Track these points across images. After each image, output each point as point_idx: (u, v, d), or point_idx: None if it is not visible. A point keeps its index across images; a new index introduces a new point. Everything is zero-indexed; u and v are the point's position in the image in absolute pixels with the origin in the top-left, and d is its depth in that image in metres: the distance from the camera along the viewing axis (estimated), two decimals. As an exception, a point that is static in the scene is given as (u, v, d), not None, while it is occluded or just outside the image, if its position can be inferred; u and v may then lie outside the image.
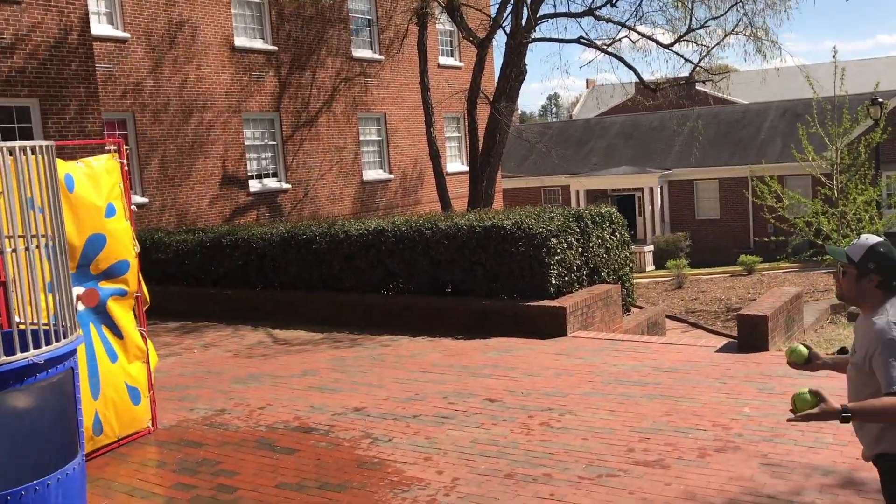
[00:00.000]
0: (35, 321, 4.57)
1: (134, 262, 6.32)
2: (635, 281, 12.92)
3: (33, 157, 4.57)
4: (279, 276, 11.66)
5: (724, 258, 28.64)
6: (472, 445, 5.81)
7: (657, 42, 17.79)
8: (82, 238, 5.91)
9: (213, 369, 8.77)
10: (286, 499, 5.09)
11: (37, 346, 4.36)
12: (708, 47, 17.68)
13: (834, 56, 19.02)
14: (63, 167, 5.76)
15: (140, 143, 16.18)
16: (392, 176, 22.83)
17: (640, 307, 13.29)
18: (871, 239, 3.12)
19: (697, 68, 18.02)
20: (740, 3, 16.68)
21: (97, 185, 6.03)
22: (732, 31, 17.03)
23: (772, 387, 6.75)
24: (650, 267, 29.62)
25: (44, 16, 12.23)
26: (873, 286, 3.07)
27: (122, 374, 6.19)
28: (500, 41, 24.43)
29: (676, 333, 14.52)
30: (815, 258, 19.17)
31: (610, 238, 10.98)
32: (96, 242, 6.01)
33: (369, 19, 22.05)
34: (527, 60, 17.65)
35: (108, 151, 6.30)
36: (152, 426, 6.54)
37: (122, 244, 6.21)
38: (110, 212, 6.11)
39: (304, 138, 20.00)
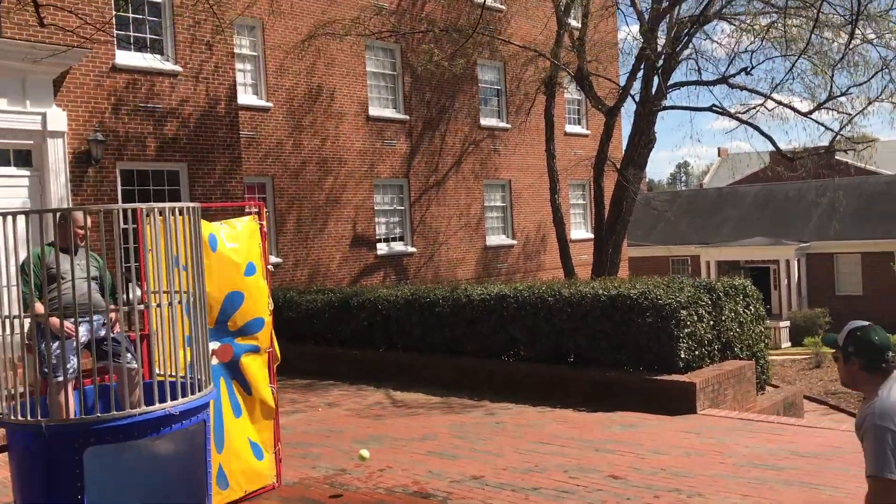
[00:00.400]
0: (173, 374, 4.78)
1: (268, 320, 6.55)
2: (770, 358, 12.26)
3: (180, 217, 4.87)
4: (403, 338, 11.79)
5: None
6: (593, 523, 5.58)
7: (795, 110, 17.21)
8: (222, 294, 6.18)
9: (336, 428, 8.89)
10: (402, 565, 5.03)
11: (173, 398, 4.56)
12: (850, 115, 16.95)
13: None
14: (207, 228, 6.10)
15: (277, 205, 16.98)
16: (515, 241, 22.89)
17: (776, 386, 12.58)
18: (852, 323, 3.26)
19: (838, 137, 17.27)
20: (886, 69, 15.95)
21: (238, 244, 6.33)
22: (877, 98, 16.26)
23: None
24: (786, 344, 28.13)
25: (196, 86, 13.19)
26: (858, 369, 3.18)
27: (245, 430, 6.36)
28: (628, 108, 24.35)
29: (816, 416, 13.61)
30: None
31: (744, 312, 10.51)
32: (235, 299, 6.27)
33: (498, 89, 22.51)
34: (656, 128, 17.45)
35: (250, 213, 6.62)
36: (277, 482, 6.66)
37: (259, 302, 6.45)
38: (250, 270, 6.39)
39: (431, 203, 20.43)
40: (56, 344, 4.77)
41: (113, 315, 5.25)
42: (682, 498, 6.01)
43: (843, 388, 16.06)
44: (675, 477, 6.53)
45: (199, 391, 4.79)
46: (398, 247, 19.73)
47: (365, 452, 6.82)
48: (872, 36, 15.99)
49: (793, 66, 15.71)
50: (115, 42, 12.18)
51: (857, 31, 15.41)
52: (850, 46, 15.73)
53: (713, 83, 17.06)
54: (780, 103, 17.09)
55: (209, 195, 13.09)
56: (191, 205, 4.93)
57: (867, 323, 3.27)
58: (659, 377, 9.08)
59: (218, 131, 13.46)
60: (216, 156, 13.44)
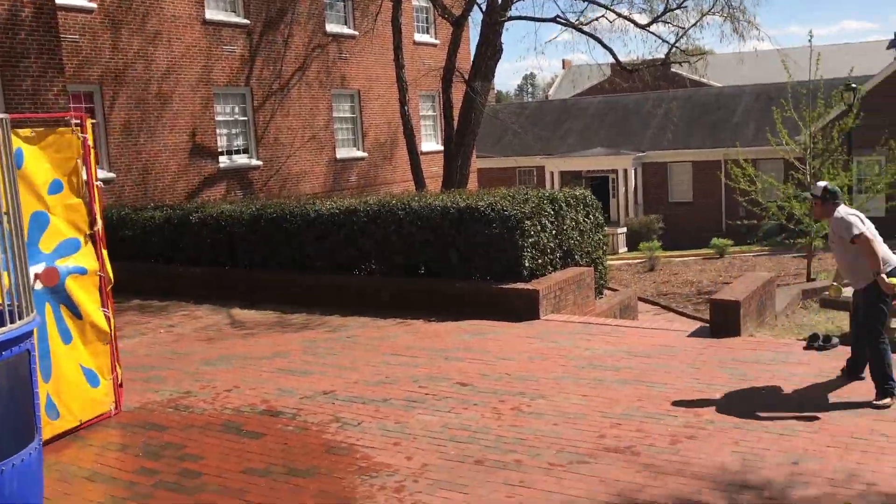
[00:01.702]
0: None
1: (87, 241, 6.11)
2: (608, 263, 12.88)
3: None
4: (249, 256, 11.46)
5: (696, 241, 28.80)
6: (442, 430, 5.72)
7: (634, 22, 17.70)
8: (26, 216, 5.69)
9: (180, 350, 8.60)
10: (252, 484, 4.97)
11: (-10, 327, 4.18)
12: (685, 28, 17.62)
13: (810, 40, 19.01)
14: (15, 142, 5.55)
15: (107, 115, 15.80)
16: (365, 154, 22.60)
17: (614, 290, 13.27)
18: (822, 182, 6.28)
19: (674, 50, 17.95)
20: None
21: (43, 160, 5.81)
22: (709, 10, 16.97)
23: (743, 372, 6.73)
24: (623, 249, 29.72)
25: (5, -17, 11.81)
26: (831, 205, 6.12)
27: (77, 356, 6.00)
28: (476, 19, 24.19)
29: (649, 316, 14.54)
30: (786, 242, 19.28)
31: (584, 221, 10.91)
32: (40, 219, 5.79)
33: (344, -7, 21.71)
34: (503, 39, 17.45)
35: (70, 125, 6.07)
36: (116, 408, 6.37)
37: (71, 222, 5.99)
38: (54, 188, 5.88)
39: (276, 113, 19.69)
40: None
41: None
42: (525, 401, 6.26)
43: (675, 290, 17.20)
44: (520, 381, 6.78)
45: (20, 319, 4.42)
46: (241, 159, 18.99)
47: None
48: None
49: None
50: None
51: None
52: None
53: (558, -6, 17.17)
54: (620, 15, 17.51)
55: (23, 105, 11.94)
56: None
57: (827, 181, 5.92)
58: (505, 286, 9.33)
59: (32, 34, 12.19)
60: (31, 62, 12.19)
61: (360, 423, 5.94)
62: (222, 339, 9.07)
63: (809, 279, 16.71)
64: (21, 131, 5.75)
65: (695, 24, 17.35)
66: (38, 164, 5.77)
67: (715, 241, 25.57)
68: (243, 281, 11.30)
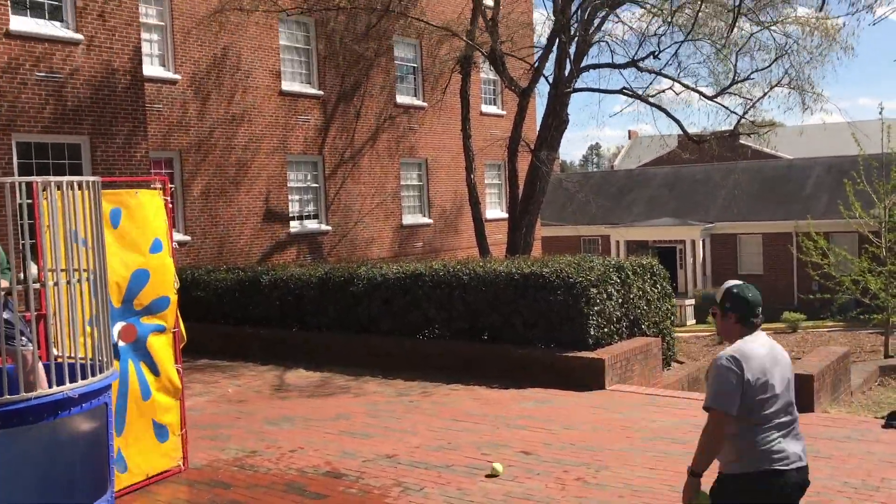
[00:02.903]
0: (73, 355, 4.57)
1: (174, 299, 6.35)
2: (676, 335, 12.66)
3: (80, 191, 4.64)
4: (316, 318, 11.65)
5: (767, 314, 27.66)
6: (505, 499, 5.65)
7: (700, 94, 17.72)
8: (128, 273, 5.96)
9: (246, 409, 8.73)
10: (313, 546, 4.98)
11: (73, 380, 4.36)
12: (752, 100, 17.55)
13: (881, 112, 18.77)
14: (110, 203, 5.85)
15: (185, 180, 16.46)
16: (431, 220, 22.90)
17: (681, 362, 13.01)
18: (729, 282, 3.66)
19: (742, 121, 17.87)
20: (784, 56, 16.57)
21: (143, 220, 6.10)
22: (777, 83, 16.89)
23: (818, 449, 6.49)
24: (691, 321, 29.13)
25: (98, 56, 12.60)
26: (733, 322, 3.58)
27: (151, 412, 6.17)
28: (542, 90, 24.58)
29: (717, 390, 14.13)
30: (861, 317, 18.66)
31: (651, 290, 10.80)
32: (140, 277, 6.06)
33: (414, 66, 22.37)
34: (568, 110, 17.66)
35: (154, 188, 6.38)
36: (184, 465, 6.49)
37: (165, 280, 6.25)
38: (155, 247, 6.17)
39: (346, 180, 20.20)
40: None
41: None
42: (590, 472, 6.15)
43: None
44: (584, 451, 6.67)
45: (100, 373, 4.60)
46: (312, 224, 19.45)
47: (498, 466, 6.18)
48: (771, 23, 16.58)
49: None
50: (10, 6, 11.51)
51: (754, 18, 15.97)
52: (752, 32, 16.28)
53: (624, 66, 17.37)
54: (686, 86, 17.56)
55: (112, 169, 12.56)
56: (90, 178, 4.71)
57: (741, 282, 3.62)
58: (569, 354, 9.26)
59: (122, 103, 12.90)
60: (119, 128, 12.89)
61: (423, 489, 5.92)
62: (287, 399, 9.18)
63: (887, 356, 16.09)
64: (124, 192, 6.08)
65: (763, 97, 17.28)
66: (138, 223, 6.05)
67: (787, 314, 24.89)
68: (309, 343, 11.47)
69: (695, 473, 3.52)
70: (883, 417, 7.33)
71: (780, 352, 3.62)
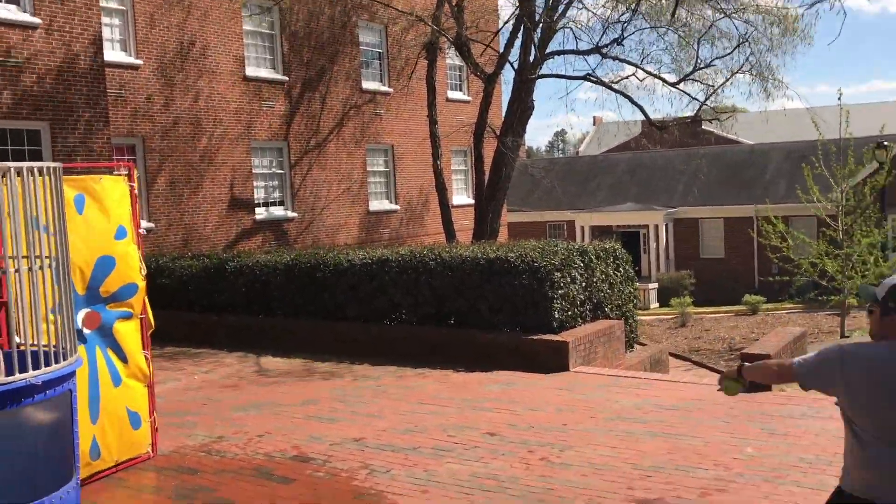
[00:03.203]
0: (35, 343, 4.55)
1: (142, 286, 6.32)
2: (639, 318, 12.86)
3: (40, 178, 4.60)
4: (282, 305, 11.64)
5: (728, 297, 28.55)
6: (470, 479, 5.74)
7: (663, 80, 17.92)
8: (93, 259, 5.92)
9: (213, 396, 8.73)
10: (281, 529, 5.03)
11: (36, 367, 4.34)
12: (713, 86, 17.79)
13: (839, 98, 19.11)
14: (74, 189, 5.80)
15: (148, 166, 16.28)
16: (398, 207, 22.91)
17: (644, 344, 13.22)
18: (893, 279, 3.25)
19: (703, 107, 18.12)
20: (746, 43, 16.81)
21: (107, 206, 6.06)
22: (738, 70, 17.14)
23: (774, 427, 6.68)
24: (654, 304, 29.52)
25: (57, 40, 12.39)
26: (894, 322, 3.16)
27: (124, 399, 6.15)
28: (507, 76, 24.65)
29: (679, 371, 14.42)
30: (819, 299, 19.09)
31: (614, 273, 10.96)
32: (106, 264, 6.02)
33: (379, 52, 22.30)
34: (534, 96, 17.77)
35: (118, 174, 6.33)
36: (152, 451, 6.48)
37: (131, 267, 6.22)
38: (120, 234, 6.13)
39: (312, 167, 20.11)
40: None
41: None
42: (554, 452, 6.27)
43: (706, 346, 17.03)
44: (549, 432, 6.79)
45: (64, 360, 4.59)
46: (278, 211, 19.36)
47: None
48: (732, 11, 16.80)
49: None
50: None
51: (716, 6, 16.18)
52: (714, 20, 16.49)
53: (588, 52, 17.50)
54: (650, 73, 17.75)
55: (73, 156, 12.38)
56: (51, 164, 4.67)
57: None
58: (534, 337, 9.38)
59: (82, 88, 12.71)
60: (80, 114, 12.70)
61: (390, 471, 5.99)
62: (254, 385, 9.19)
63: (843, 336, 16.50)
64: (88, 178, 6.03)
65: (724, 83, 17.53)
66: (102, 210, 6.00)
67: (747, 297, 25.36)
68: (276, 329, 11.46)
69: (741, 372, 3.57)
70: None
71: None
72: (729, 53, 17.11)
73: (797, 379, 3.25)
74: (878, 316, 3.22)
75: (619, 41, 16.91)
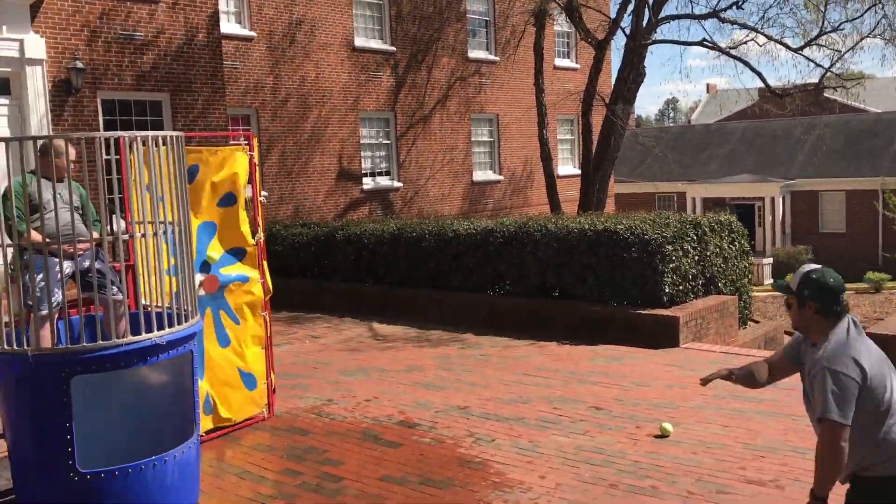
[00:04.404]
0: (160, 304, 4.77)
1: (251, 251, 6.52)
2: (753, 294, 12.39)
3: (164, 147, 4.79)
4: (389, 273, 11.82)
5: (849, 274, 27.12)
6: (576, 452, 5.69)
7: (786, 46, 17.04)
8: (196, 224, 6.15)
9: (323, 360, 8.97)
10: (389, 491, 5.13)
11: (160, 328, 4.55)
12: (840, 52, 16.79)
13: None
14: (191, 159, 6.02)
15: (261, 137, 16.76)
16: (502, 177, 22.80)
17: (758, 321, 12.76)
18: (806, 267, 3.23)
19: (828, 74, 17.14)
20: (880, 4, 15.74)
21: (214, 174, 6.26)
22: (870, 34, 16.10)
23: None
24: (769, 280, 28.45)
25: (176, 14, 12.85)
26: (812, 313, 3.16)
27: (233, 359, 6.38)
28: (618, 43, 23.97)
29: (795, 350, 13.84)
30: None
31: (728, 247, 10.58)
32: (209, 230, 6.24)
33: (486, 20, 22.10)
34: (646, 63, 17.23)
35: (237, 144, 6.52)
36: (269, 412, 6.72)
37: (237, 232, 6.40)
38: (225, 201, 6.32)
39: (417, 137, 20.23)
40: (41, 276, 4.73)
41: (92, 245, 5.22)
42: (663, 428, 6.13)
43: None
44: (658, 408, 6.65)
45: (186, 322, 4.79)
46: (384, 181, 19.60)
47: (668, 426, 5.95)
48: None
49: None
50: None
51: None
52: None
53: (704, 17, 16.81)
54: (770, 38, 16.90)
55: (192, 126, 12.89)
56: (174, 133, 4.85)
57: (820, 266, 3.24)
58: (643, 311, 9.18)
59: (200, 61, 13.17)
60: (199, 86, 13.18)
61: (494, 440, 6.01)
62: (361, 350, 9.39)
63: (979, 319, 15.42)
64: (203, 149, 6.26)
65: (852, 48, 16.51)
66: (212, 178, 6.23)
67: (870, 274, 24.07)
68: (383, 297, 11.66)
69: (819, 497, 3.11)
70: None
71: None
72: (860, 16, 16.08)
73: (847, 426, 3.04)
74: (796, 308, 3.18)
75: (738, 4, 16.16)
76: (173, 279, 4.96)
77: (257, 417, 6.62)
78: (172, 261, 4.96)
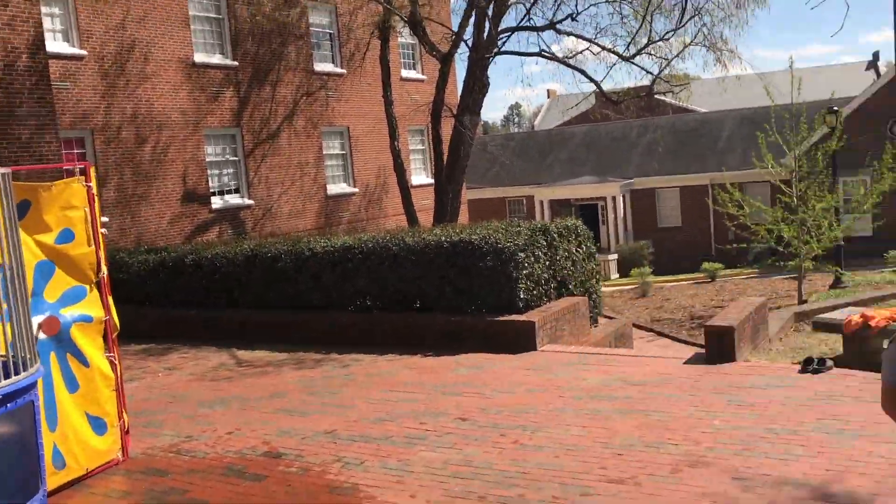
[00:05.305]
0: (-6, 354, 4.42)
1: (92, 289, 6.16)
2: (602, 291, 12.97)
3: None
4: (244, 295, 11.49)
5: (686, 265, 28.96)
6: (444, 466, 5.75)
7: (618, 54, 17.97)
8: (31, 266, 5.75)
9: (179, 393, 8.60)
10: (257, 528, 4.98)
11: (-5, 380, 4.22)
12: (667, 59, 17.91)
13: (790, 65, 19.32)
14: (19, 194, 5.62)
15: (99, 161, 15.90)
16: (357, 190, 22.74)
17: (608, 317, 13.36)
18: None
19: (658, 79, 18.23)
20: (698, 15, 16.92)
21: (52, 211, 5.88)
22: (691, 42, 17.27)
23: (741, 398, 6.80)
24: (615, 275, 29.84)
25: (-3, 34, 11.96)
26: None
27: (83, 405, 6.01)
28: (462, 54, 24.46)
29: (643, 343, 14.60)
30: (776, 264, 19.43)
31: (576, 251, 11.02)
32: (45, 270, 5.86)
33: (330, 33, 21.99)
34: (489, 73, 17.70)
35: (72, 175, 6.15)
36: (123, 455, 6.36)
37: (77, 270, 6.05)
38: (64, 238, 5.96)
39: (267, 154, 19.83)
40: None
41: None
42: (526, 434, 6.30)
43: (667, 316, 17.21)
44: (519, 414, 6.82)
45: (24, 370, 4.47)
46: (234, 199, 19.08)
47: None
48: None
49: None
50: None
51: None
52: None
53: (542, 29, 17.46)
54: (604, 48, 17.79)
55: (22, 154, 12.02)
56: (1, 170, 4.52)
57: None
58: (501, 318, 9.40)
59: (25, 84, 12.31)
60: (25, 114, 12.31)
61: (363, 463, 5.97)
62: (220, 380, 9.08)
63: (801, 301, 16.84)
64: (35, 185, 5.85)
65: (677, 56, 17.67)
66: (45, 214, 5.84)
67: (706, 264, 25.72)
68: (240, 321, 11.33)
69: None
70: (799, 363, 7.70)
71: None
72: (682, 25, 17.20)
73: None
74: None
75: (573, 17, 16.90)
76: (7, 325, 4.61)
77: (112, 462, 6.26)
78: (3, 305, 4.61)
